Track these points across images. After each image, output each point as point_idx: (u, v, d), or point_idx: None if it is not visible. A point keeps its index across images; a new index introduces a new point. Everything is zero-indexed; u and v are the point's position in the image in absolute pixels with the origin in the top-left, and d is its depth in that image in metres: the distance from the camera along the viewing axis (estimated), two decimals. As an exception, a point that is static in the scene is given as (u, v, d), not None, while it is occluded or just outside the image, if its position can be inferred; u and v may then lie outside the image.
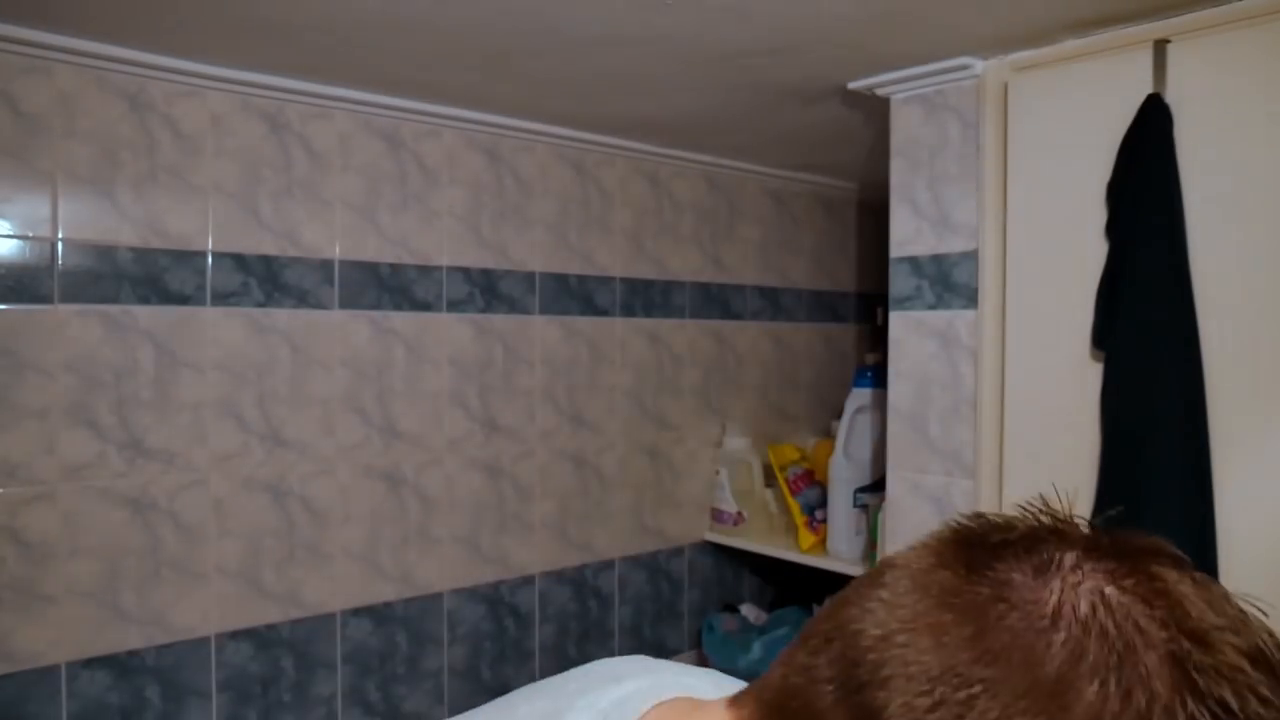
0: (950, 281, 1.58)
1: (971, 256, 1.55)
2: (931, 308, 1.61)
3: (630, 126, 1.99)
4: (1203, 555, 1.22)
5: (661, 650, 2.29)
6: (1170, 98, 1.28)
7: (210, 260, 1.59)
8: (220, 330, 1.60)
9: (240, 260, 1.62)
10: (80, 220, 1.46)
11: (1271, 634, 0.36)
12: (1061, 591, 0.36)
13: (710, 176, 2.33)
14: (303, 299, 1.69)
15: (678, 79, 1.62)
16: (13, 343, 1.41)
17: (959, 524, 0.43)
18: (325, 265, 1.72)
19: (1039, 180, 1.43)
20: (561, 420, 2.06)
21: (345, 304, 1.74)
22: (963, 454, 1.56)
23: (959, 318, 1.57)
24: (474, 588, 1.93)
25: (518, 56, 1.50)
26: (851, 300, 2.76)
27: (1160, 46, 1.29)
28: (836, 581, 2.15)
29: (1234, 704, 0.33)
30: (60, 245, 1.45)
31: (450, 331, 1.88)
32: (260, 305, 1.64)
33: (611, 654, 2.17)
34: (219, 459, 1.60)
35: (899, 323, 1.66)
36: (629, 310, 2.18)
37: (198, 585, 1.58)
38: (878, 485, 1.85)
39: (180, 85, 1.54)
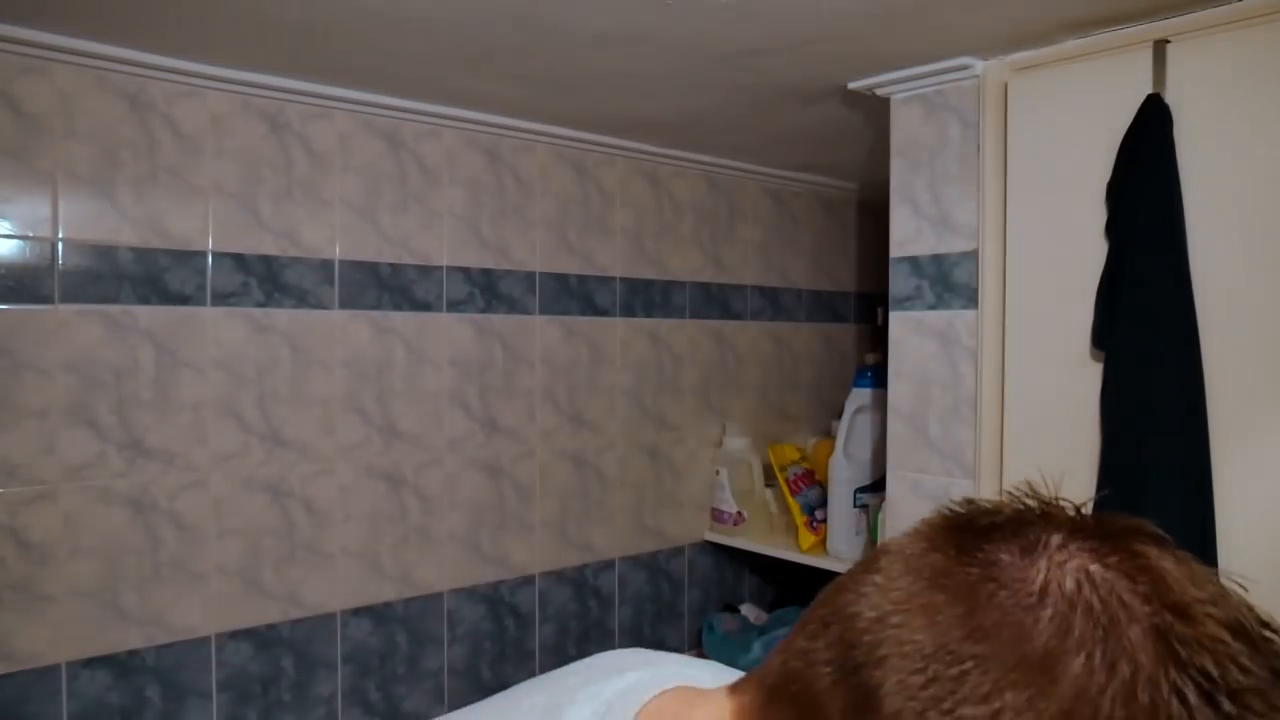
0: (950, 281, 1.58)
1: (971, 256, 1.55)
2: (931, 308, 1.61)
3: (630, 126, 1.99)
4: (1203, 555, 1.20)
5: (661, 650, 2.28)
6: (1170, 98, 1.28)
7: (210, 260, 1.59)
8: (220, 330, 1.60)
9: (240, 260, 1.62)
10: (80, 220, 1.46)
11: (1250, 606, 0.38)
12: (1048, 570, 0.38)
13: (710, 176, 2.33)
14: (303, 299, 1.69)
15: (678, 79, 1.62)
16: (13, 343, 1.41)
17: (950, 510, 0.44)
18: (325, 265, 1.72)
19: (1039, 180, 1.43)
20: (561, 420, 2.06)
21: (345, 304, 1.74)
22: (963, 454, 1.56)
23: (959, 318, 1.57)
24: (474, 588, 1.93)
25: (517, 56, 1.50)
26: (851, 300, 2.76)
27: (1160, 47, 1.29)
28: (836, 581, 2.15)
29: (1215, 674, 0.34)
30: (60, 245, 1.45)
31: (450, 331, 1.88)
32: (260, 305, 1.64)
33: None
34: (219, 459, 1.60)
35: (899, 323, 1.66)
36: (629, 310, 2.18)
37: (198, 585, 1.58)
38: (878, 485, 1.85)
39: (180, 85, 1.54)
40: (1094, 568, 0.37)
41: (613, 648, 2.16)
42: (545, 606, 2.05)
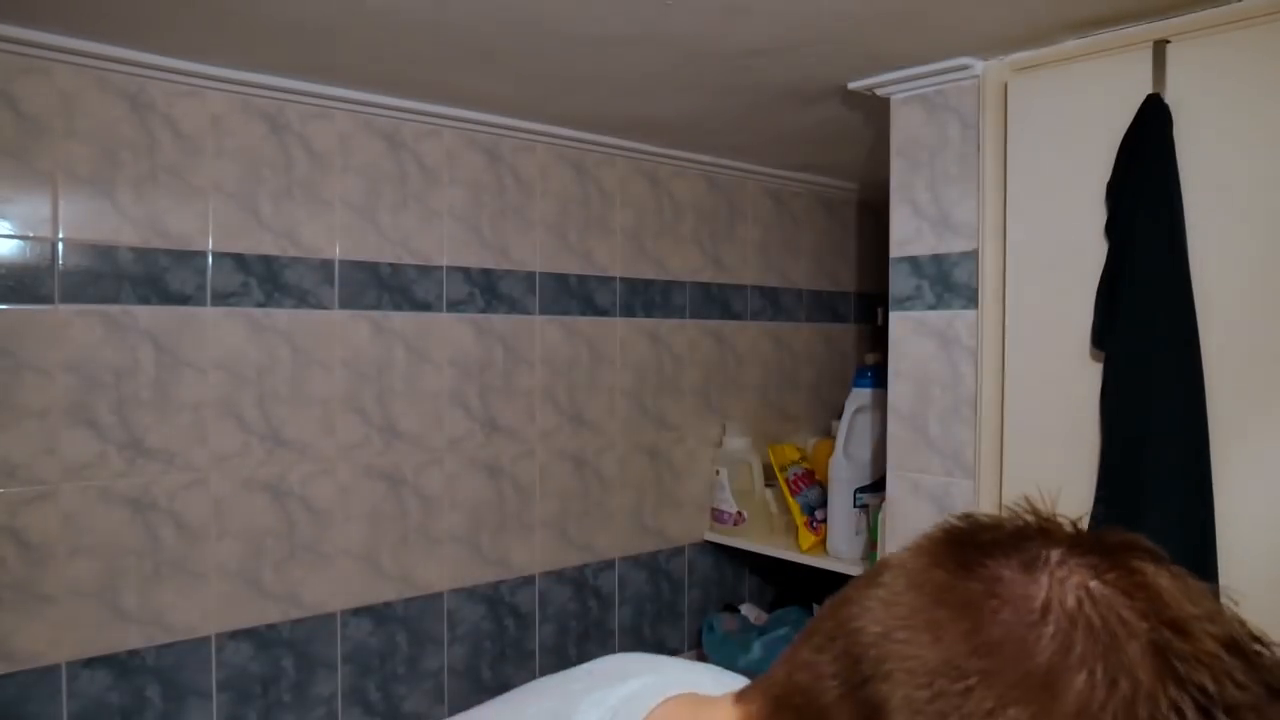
0: (950, 281, 1.58)
1: (971, 256, 1.55)
2: (931, 308, 1.61)
3: (630, 126, 1.99)
4: (1203, 554, 1.22)
5: (661, 650, 2.29)
6: (1170, 98, 1.28)
7: (210, 260, 1.59)
8: (220, 330, 1.60)
9: (240, 260, 1.62)
10: (80, 220, 1.46)
11: (1243, 622, 0.38)
12: (1049, 587, 0.38)
13: (710, 176, 2.33)
14: (303, 299, 1.69)
15: (678, 79, 1.62)
16: (13, 343, 1.41)
17: (950, 524, 0.45)
18: (325, 265, 1.72)
19: (1039, 180, 1.43)
20: (561, 420, 2.06)
21: (345, 304, 1.74)
22: (963, 454, 1.56)
23: (959, 318, 1.57)
24: (474, 588, 1.93)
25: (518, 56, 1.50)
26: (851, 300, 2.76)
27: (1160, 47, 1.29)
28: (836, 581, 2.14)
29: (1212, 689, 0.35)
30: (60, 245, 1.45)
31: (450, 331, 1.88)
32: (260, 305, 1.64)
33: (612, 654, 2.18)
34: (219, 459, 1.60)
35: (899, 323, 1.66)
36: (629, 310, 2.18)
37: (198, 585, 1.58)
38: (878, 485, 1.85)
39: (180, 85, 1.54)
40: (1093, 584, 0.38)
41: (613, 647, 2.17)
42: (545, 606, 2.05)
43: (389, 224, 1.79)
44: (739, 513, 2.27)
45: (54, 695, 1.45)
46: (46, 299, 1.44)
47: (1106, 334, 1.33)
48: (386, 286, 1.79)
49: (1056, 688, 0.36)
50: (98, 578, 1.48)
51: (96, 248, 1.48)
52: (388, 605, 1.81)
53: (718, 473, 2.30)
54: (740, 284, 2.42)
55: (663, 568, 2.28)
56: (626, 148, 2.11)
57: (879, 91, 1.63)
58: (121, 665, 1.51)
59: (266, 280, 1.65)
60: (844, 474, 2.00)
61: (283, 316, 1.67)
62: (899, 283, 1.66)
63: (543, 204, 2.01)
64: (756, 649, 2.11)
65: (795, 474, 2.20)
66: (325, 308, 1.72)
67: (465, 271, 1.90)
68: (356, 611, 1.77)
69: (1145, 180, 1.28)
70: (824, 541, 2.08)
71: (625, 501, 2.19)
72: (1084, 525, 0.43)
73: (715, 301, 2.36)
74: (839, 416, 2.08)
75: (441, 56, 1.50)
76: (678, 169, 2.26)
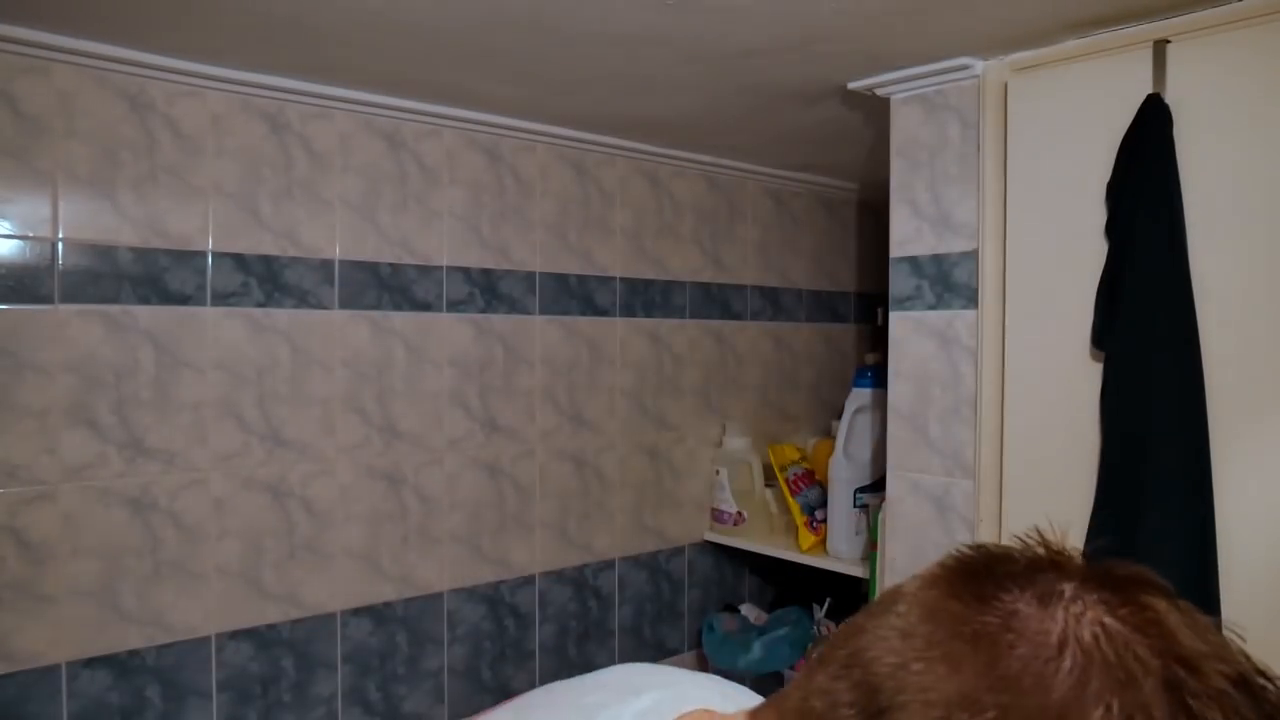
0: (950, 281, 1.58)
1: (971, 256, 1.55)
2: (931, 308, 1.61)
3: (630, 126, 1.99)
4: (1203, 555, 1.22)
5: (661, 650, 2.29)
6: (1170, 98, 1.28)
7: (210, 260, 1.59)
8: (220, 330, 1.60)
9: (240, 260, 1.62)
10: (80, 220, 1.46)
11: (1249, 658, 0.40)
12: (1065, 623, 0.39)
13: (710, 176, 2.33)
14: (303, 299, 1.69)
15: (678, 79, 1.62)
16: (13, 343, 1.41)
17: (962, 554, 0.45)
18: (325, 265, 1.72)
19: (1039, 180, 1.43)
20: (561, 420, 2.06)
21: (345, 304, 1.74)
22: (963, 454, 1.56)
23: (959, 318, 1.57)
24: (474, 588, 1.93)
25: (518, 56, 1.50)
26: (851, 300, 2.76)
27: (1160, 47, 1.29)
28: (836, 581, 2.15)
29: None
30: (60, 245, 1.45)
31: (450, 331, 1.88)
32: (260, 305, 1.64)
33: (611, 654, 2.18)
34: (219, 459, 1.60)
35: (899, 323, 1.66)
36: (629, 310, 2.18)
37: (198, 585, 1.58)
38: (878, 485, 1.85)
39: (180, 85, 1.54)
40: (1107, 620, 0.39)
41: (613, 647, 2.17)
42: (545, 606, 2.05)
43: (389, 224, 1.79)
44: (739, 513, 2.27)
45: (54, 695, 1.45)
46: (46, 299, 1.44)
47: (1106, 334, 1.33)
48: (386, 286, 1.79)
49: None
50: (98, 578, 1.48)
51: (96, 248, 1.48)
52: (388, 605, 1.81)
53: (718, 473, 2.30)
54: (740, 284, 2.42)
55: (663, 568, 2.28)
56: (626, 148, 2.11)
57: (879, 91, 1.63)
58: (121, 665, 1.51)
59: (266, 280, 1.65)
60: (844, 474, 2.00)
61: (283, 316, 1.67)
62: (899, 283, 1.66)
63: (543, 204, 2.01)
64: (756, 649, 2.11)
65: (795, 474, 2.20)
66: (325, 308, 1.72)
67: (465, 271, 1.90)
68: (356, 611, 1.77)
69: (1145, 180, 1.28)
70: (824, 541, 2.08)
71: (625, 501, 2.19)
72: (1081, 545, 0.45)
73: (715, 301, 2.36)
74: (839, 416, 2.08)
75: (441, 56, 1.50)
76: (678, 169, 2.26)
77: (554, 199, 2.03)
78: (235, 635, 1.62)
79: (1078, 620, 0.39)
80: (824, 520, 2.09)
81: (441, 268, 1.86)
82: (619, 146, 2.10)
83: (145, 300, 1.52)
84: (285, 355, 1.67)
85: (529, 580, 2.02)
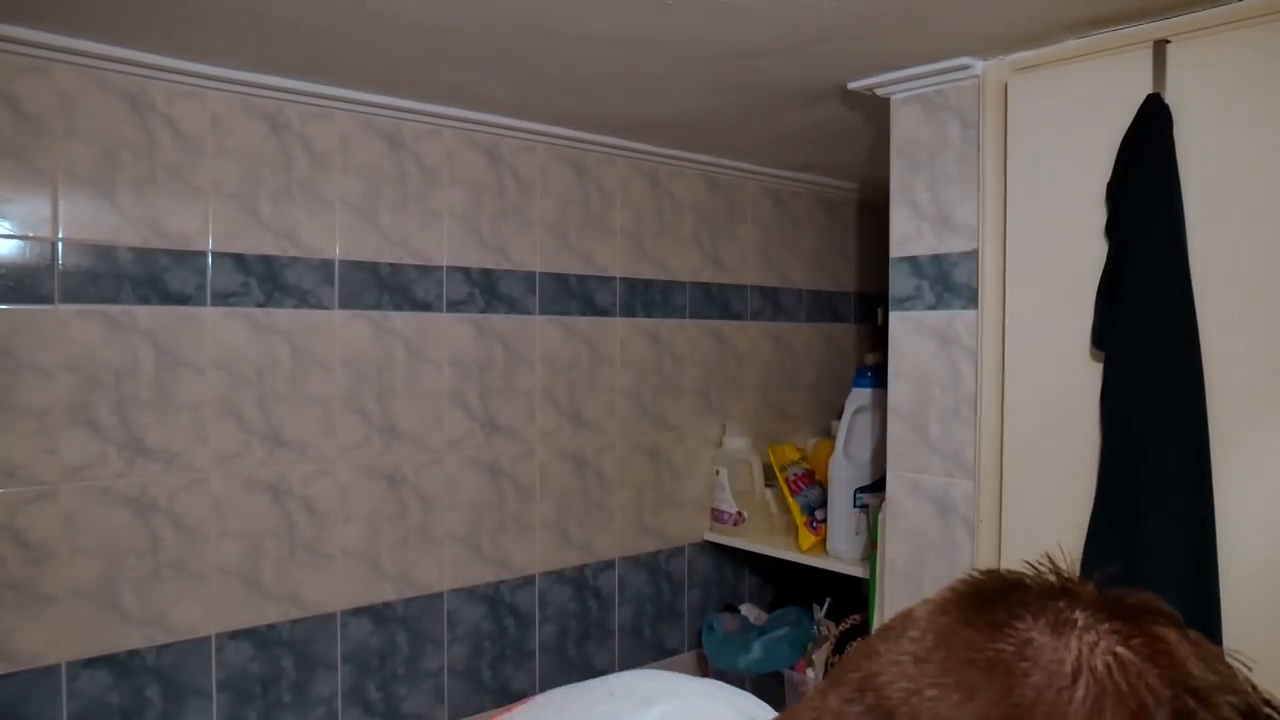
0: (950, 281, 1.58)
1: (971, 256, 1.55)
2: (931, 308, 1.61)
3: (630, 126, 1.99)
4: (1203, 555, 1.22)
5: (661, 650, 2.29)
6: (1170, 98, 1.28)
7: (210, 260, 1.59)
8: (220, 330, 1.60)
9: (240, 260, 1.62)
10: (80, 220, 1.46)
11: (1256, 688, 0.41)
12: (1079, 652, 0.40)
13: (710, 176, 2.33)
14: (303, 299, 1.69)
15: (678, 79, 1.62)
16: (13, 343, 1.41)
17: (974, 579, 0.46)
18: (325, 265, 1.72)
19: (1039, 180, 1.43)
20: (561, 420, 2.06)
21: (345, 304, 1.74)
22: (963, 454, 1.56)
23: (959, 318, 1.57)
24: (474, 588, 1.93)
25: (518, 56, 1.50)
26: (851, 300, 2.76)
27: (1160, 47, 1.29)
28: (836, 581, 2.15)
29: None
30: (60, 245, 1.45)
31: (450, 331, 1.88)
32: (260, 305, 1.64)
33: (611, 654, 2.18)
34: (219, 459, 1.60)
35: (899, 323, 1.66)
36: (629, 310, 2.18)
37: (198, 585, 1.58)
38: (878, 485, 1.85)
39: (180, 85, 1.54)
40: (1120, 650, 0.40)
41: (613, 647, 2.17)
42: (545, 606, 2.05)
43: (389, 224, 1.79)
44: (739, 513, 2.27)
45: (54, 695, 1.45)
46: (46, 299, 1.44)
47: (1106, 334, 1.33)
48: (386, 286, 1.79)
49: None
50: (98, 578, 1.48)
51: (96, 248, 1.48)
52: (388, 605, 1.81)
53: (718, 473, 2.30)
54: (740, 284, 2.42)
55: (663, 568, 2.28)
56: (626, 148, 2.11)
57: (879, 91, 1.63)
58: (121, 665, 1.51)
59: (266, 280, 1.65)
60: (844, 474, 2.00)
61: (283, 316, 1.67)
62: (899, 283, 1.66)
63: (543, 204, 2.01)
64: (756, 649, 2.11)
65: (795, 474, 2.20)
66: (325, 308, 1.72)
67: (465, 271, 1.90)
68: (356, 611, 1.77)
69: (1145, 180, 1.28)
70: (824, 541, 2.08)
71: (625, 501, 2.19)
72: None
73: (715, 301, 2.36)
74: (839, 416, 2.08)
75: (441, 56, 1.50)
76: (678, 169, 2.26)
77: (554, 199, 2.03)
78: (235, 635, 1.62)
79: (1091, 650, 0.40)
80: (824, 520, 2.09)
81: (441, 268, 1.86)
82: (619, 146, 2.10)
83: (145, 300, 1.52)
84: (285, 355, 1.67)
85: (529, 580, 2.02)
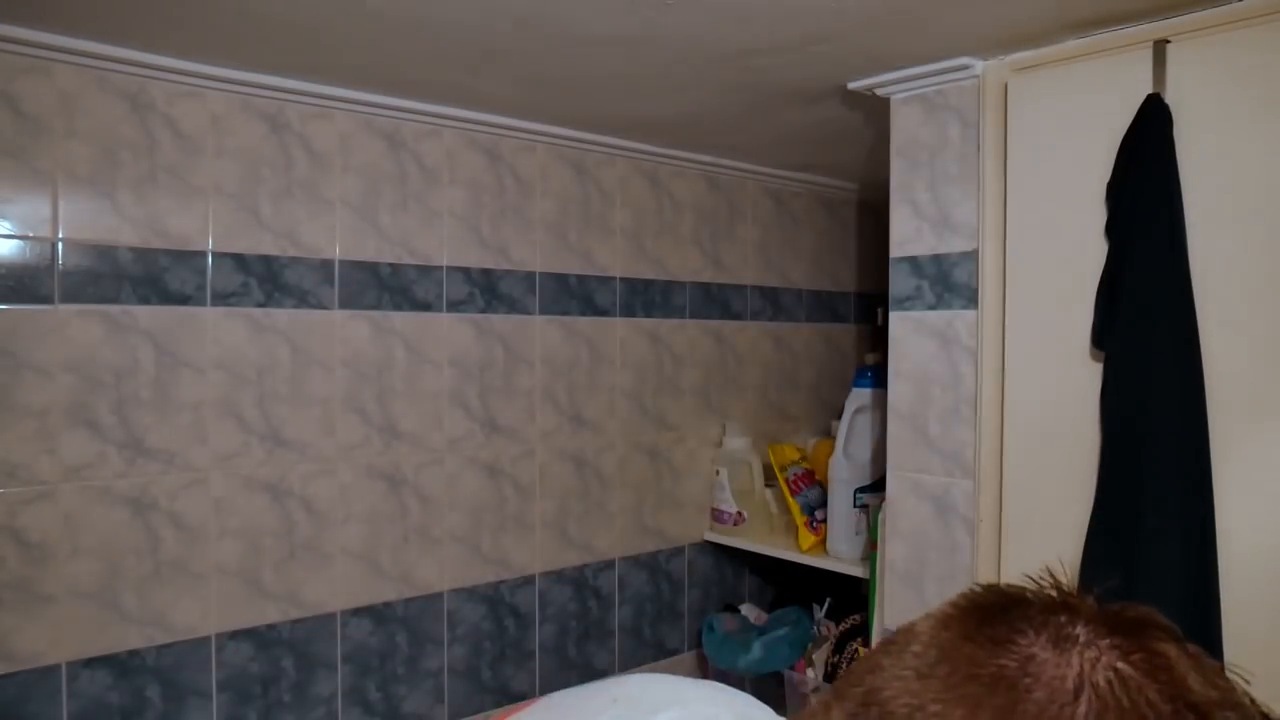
0: (950, 281, 1.58)
1: (971, 256, 1.55)
2: (931, 308, 1.61)
3: (630, 126, 1.99)
4: (1203, 555, 1.22)
5: (661, 650, 2.29)
6: (1170, 98, 1.28)
7: (210, 260, 1.59)
8: (220, 330, 1.60)
9: (240, 260, 1.62)
10: (80, 220, 1.46)
11: (1254, 701, 0.41)
12: (1081, 667, 0.40)
13: (710, 176, 2.33)
14: (303, 299, 1.69)
15: (678, 79, 1.62)
16: (13, 343, 1.41)
17: (975, 595, 0.47)
18: (325, 265, 1.72)
19: (1039, 180, 1.43)
20: (561, 420, 2.06)
21: (345, 304, 1.74)
22: (963, 454, 1.56)
23: (959, 318, 1.57)
24: (474, 588, 1.93)
25: (518, 56, 1.50)
26: (851, 300, 2.76)
27: (1160, 47, 1.29)
28: (836, 581, 2.15)
29: None
30: (60, 245, 1.45)
31: (450, 331, 1.88)
32: (260, 305, 1.64)
33: (611, 654, 2.18)
34: (219, 459, 1.60)
35: (899, 323, 1.66)
36: (629, 310, 2.18)
37: (198, 585, 1.58)
38: (878, 485, 1.85)
39: (180, 85, 1.54)
40: (1121, 665, 0.40)
41: (613, 647, 2.17)
42: (545, 606, 2.05)
43: (389, 224, 1.79)
44: (739, 513, 2.27)
45: (54, 695, 1.45)
46: (46, 299, 1.44)
47: (1106, 334, 1.33)
48: (386, 286, 1.79)
49: None
50: (98, 578, 1.48)
51: (96, 248, 1.48)
52: (388, 605, 1.81)
53: (718, 473, 2.30)
54: (740, 284, 2.42)
55: (663, 568, 2.28)
56: (626, 148, 2.11)
57: (879, 91, 1.63)
58: (121, 665, 1.51)
59: (266, 280, 1.65)
60: (844, 474, 2.00)
61: (283, 316, 1.67)
62: (899, 283, 1.66)
63: (543, 204, 2.01)
64: (756, 649, 2.11)
65: (795, 474, 2.20)
66: (325, 308, 1.72)
67: (465, 271, 1.90)
68: (356, 611, 1.77)
69: (1145, 180, 1.28)
70: (824, 541, 2.08)
71: (625, 501, 2.19)
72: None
73: (715, 301, 2.36)
74: (839, 416, 2.08)
75: (441, 56, 1.50)
76: (678, 169, 2.26)
77: (554, 199, 2.03)
78: (235, 635, 1.62)
79: (1093, 665, 0.40)
80: (824, 520, 2.09)
81: (441, 268, 1.86)
82: (619, 146, 2.10)
83: (145, 300, 1.52)
84: (285, 355, 1.67)
85: (529, 580, 2.02)
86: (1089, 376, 1.35)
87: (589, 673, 2.14)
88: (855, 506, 1.99)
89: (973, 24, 1.36)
